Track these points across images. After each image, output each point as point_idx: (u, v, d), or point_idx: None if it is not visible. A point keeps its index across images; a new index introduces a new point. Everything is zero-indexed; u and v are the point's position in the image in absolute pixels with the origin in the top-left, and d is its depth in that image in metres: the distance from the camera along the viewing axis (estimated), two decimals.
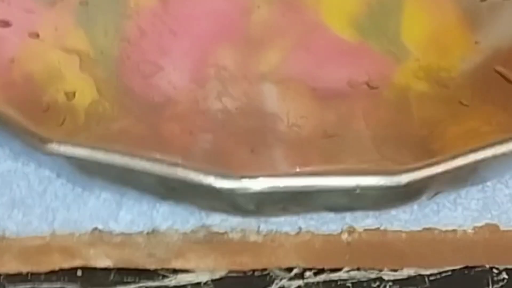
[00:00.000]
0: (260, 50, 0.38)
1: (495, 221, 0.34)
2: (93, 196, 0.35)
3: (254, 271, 0.35)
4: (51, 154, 0.33)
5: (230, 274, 0.35)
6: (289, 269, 0.35)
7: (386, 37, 0.39)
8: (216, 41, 0.39)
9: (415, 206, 0.35)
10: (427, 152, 0.35)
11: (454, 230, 0.34)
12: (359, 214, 0.34)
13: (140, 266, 0.34)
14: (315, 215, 0.34)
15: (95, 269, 0.35)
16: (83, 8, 0.39)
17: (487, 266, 0.35)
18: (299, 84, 0.38)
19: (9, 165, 0.36)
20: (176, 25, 0.39)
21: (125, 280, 0.35)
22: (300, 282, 0.34)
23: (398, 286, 0.34)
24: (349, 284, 0.34)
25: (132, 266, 0.34)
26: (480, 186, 0.35)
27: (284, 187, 0.30)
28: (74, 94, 0.38)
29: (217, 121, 0.37)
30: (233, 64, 0.38)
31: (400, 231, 0.34)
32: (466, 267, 0.35)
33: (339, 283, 0.34)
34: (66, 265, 0.34)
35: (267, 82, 0.38)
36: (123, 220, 0.35)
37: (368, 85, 0.38)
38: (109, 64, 0.39)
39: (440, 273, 0.35)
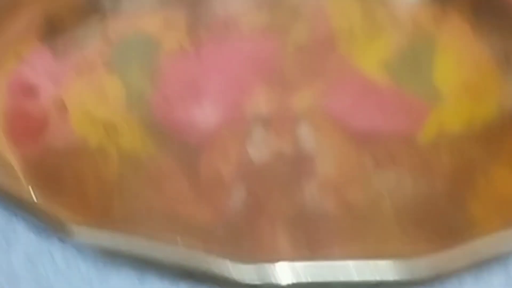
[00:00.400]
0: (294, 92, 0.38)
1: None
2: (115, 271, 0.36)
3: None
4: (70, 238, 0.33)
5: None
6: None
7: (418, 81, 0.38)
8: (250, 83, 0.39)
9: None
10: (450, 229, 0.35)
11: None
12: None
13: None
14: None
15: None
16: (109, 76, 0.39)
17: None
18: (334, 127, 0.38)
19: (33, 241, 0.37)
20: (209, 69, 0.39)
21: None
22: None
23: None
24: None
25: None
26: (503, 259, 0.35)
27: (302, 282, 0.30)
28: (98, 170, 0.37)
29: (251, 169, 0.37)
30: (268, 106, 0.38)
31: None
32: None
33: None
34: None
35: (302, 124, 0.38)
36: None
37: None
38: (135, 133, 0.39)
39: None
